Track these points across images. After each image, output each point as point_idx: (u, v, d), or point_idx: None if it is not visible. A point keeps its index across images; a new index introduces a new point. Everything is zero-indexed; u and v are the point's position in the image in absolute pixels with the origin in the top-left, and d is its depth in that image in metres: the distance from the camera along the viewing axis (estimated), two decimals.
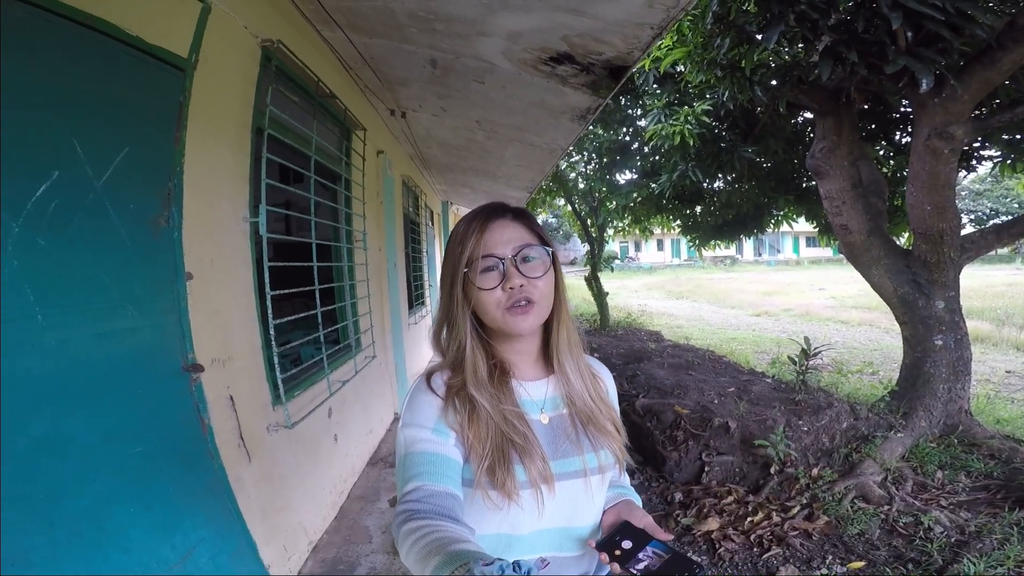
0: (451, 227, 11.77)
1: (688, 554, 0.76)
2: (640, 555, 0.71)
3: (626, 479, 0.98)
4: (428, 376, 0.86)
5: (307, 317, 2.58)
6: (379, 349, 3.85)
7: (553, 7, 1.73)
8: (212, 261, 1.76)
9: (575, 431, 0.86)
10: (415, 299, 6.15)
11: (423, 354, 6.57)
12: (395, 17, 2.15)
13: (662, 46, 3.62)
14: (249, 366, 1.99)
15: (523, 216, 0.88)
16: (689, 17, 3.28)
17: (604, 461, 0.86)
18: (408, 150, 5.30)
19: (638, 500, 0.92)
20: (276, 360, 2.08)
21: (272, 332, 2.09)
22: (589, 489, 0.84)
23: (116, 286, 1.32)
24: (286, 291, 2.30)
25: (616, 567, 0.70)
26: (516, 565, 0.53)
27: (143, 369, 1.41)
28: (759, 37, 2.80)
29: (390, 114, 3.90)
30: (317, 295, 2.62)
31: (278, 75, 2.20)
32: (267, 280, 2.08)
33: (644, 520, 0.79)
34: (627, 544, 0.73)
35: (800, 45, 2.84)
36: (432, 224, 8.39)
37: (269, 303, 2.08)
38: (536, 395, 0.88)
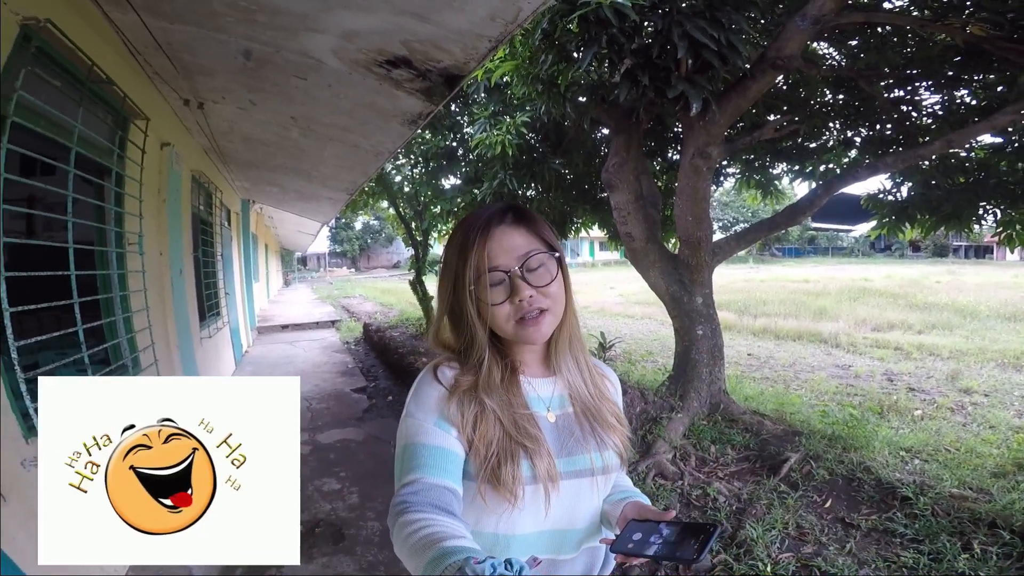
0: (252, 227, 10.42)
1: (698, 520, 0.79)
2: (651, 539, 0.72)
3: (627, 479, 0.99)
4: (435, 367, 0.84)
5: (64, 336, 2.19)
6: (165, 368, 3.43)
7: (398, 10, 1.69)
8: None
9: (580, 430, 0.86)
10: (208, 310, 5.39)
11: (221, 371, 5.78)
12: (209, 4, 1.90)
13: (495, 58, 3.68)
14: None
15: (524, 218, 0.84)
16: (522, 32, 3.37)
17: (608, 462, 0.86)
18: (203, 143, 4.70)
19: (645, 499, 0.91)
20: (23, 387, 1.80)
21: (15, 355, 1.75)
22: (594, 488, 0.84)
23: None
24: (33, 306, 1.94)
25: (632, 560, 0.72)
26: (508, 563, 0.52)
27: None
28: (577, 56, 3.00)
29: (183, 104, 3.43)
30: (77, 309, 2.24)
31: (38, 57, 1.94)
32: (3, 293, 1.73)
33: (645, 512, 0.80)
34: (637, 536, 0.74)
35: (606, 66, 3.13)
36: (229, 224, 7.40)
37: (8, 321, 1.73)
38: (544, 392, 0.87)
